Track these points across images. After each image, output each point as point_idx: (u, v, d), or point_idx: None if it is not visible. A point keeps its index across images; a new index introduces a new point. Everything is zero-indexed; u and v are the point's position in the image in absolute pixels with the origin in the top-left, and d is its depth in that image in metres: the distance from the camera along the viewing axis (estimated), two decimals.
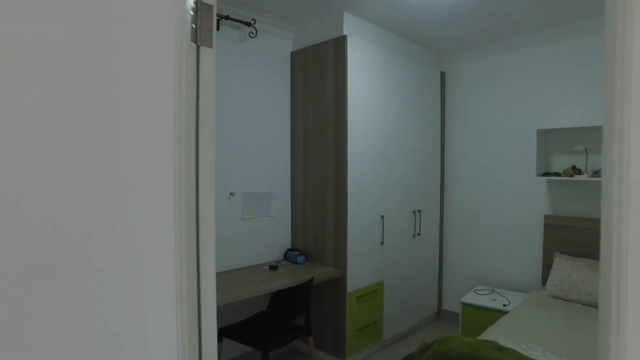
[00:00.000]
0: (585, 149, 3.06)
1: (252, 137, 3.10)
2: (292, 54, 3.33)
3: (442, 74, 4.03)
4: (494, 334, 2.34)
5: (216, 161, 2.87)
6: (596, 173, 3.04)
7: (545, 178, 3.21)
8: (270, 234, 3.25)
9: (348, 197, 2.92)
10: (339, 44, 2.92)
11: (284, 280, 2.69)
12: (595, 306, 2.75)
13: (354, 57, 2.93)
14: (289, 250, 3.28)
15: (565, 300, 2.88)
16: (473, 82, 3.88)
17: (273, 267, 3.00)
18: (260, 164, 3.17)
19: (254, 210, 3.13)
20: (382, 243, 3.23)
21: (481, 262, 3.86)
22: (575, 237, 3.17)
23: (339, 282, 2.97)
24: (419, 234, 3.67)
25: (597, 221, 3.10)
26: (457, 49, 3.89)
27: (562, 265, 3.00)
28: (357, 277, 3.02)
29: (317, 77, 3.09)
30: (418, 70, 3.60)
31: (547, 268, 3.34)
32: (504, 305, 3.19)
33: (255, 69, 3.11)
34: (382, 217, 3.22)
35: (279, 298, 2.45)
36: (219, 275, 2.81)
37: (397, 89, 3.37)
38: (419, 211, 3.66)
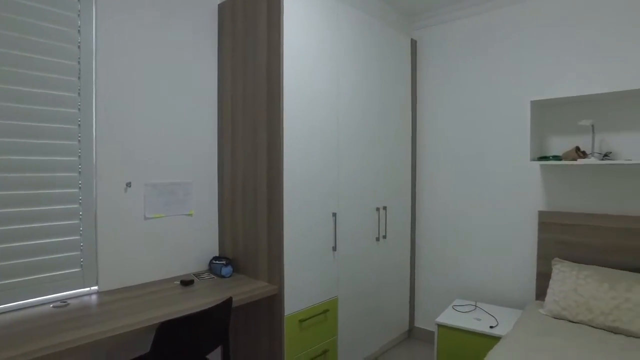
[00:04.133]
0: (592, 126, 2.39)
1: (162, 109, 2.32)
2: (221, 6, 2.57)
3: (414, 43, 3.34)
4: None
5: (101, 139, 2.06)
6: (606, 155, 2.38)
7: (539, 163, 2.52)
8: (189, 238, 2.48)
9: (284, 189, 2.17)
10: None
11: (190, 302, 1.92)
12: (612, 331, 2.06)
13: (292, 5, 2.20)
14: (214, 259, 2.51)
15: (571, 321, 2.19)
16: (451, 49, 3.19)
17: (186, 283, 2.23)
18: (175, 144, 2.39)
19: (163, 207, 2.35)
20: (334, 248, 2.49)
21: (461, 271, 3.16)
22: (579, 239, 2.50)
23: (274, 301, 2.21)
24: (384, 237, 2.94)
25: (608, 217, 2.31)
26: (430, 9, 3.21)
27: (565, 276, 2.31)
28: (299, 294, 2.27)
29: (249, 33, 2.35)
30: (382, 34, 2.89)
31: (542, 277, 2.66)
32: (491, 327, 2.49)
33: (166, 22, 2.33)
34: (334, 214, 2.48)
35: (173, 331, 1.67)
36: (104, 294, 2.02)
37: (354, 55, 2.65)
38: (384, 208, 2.94)
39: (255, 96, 2.30)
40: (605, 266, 2.40)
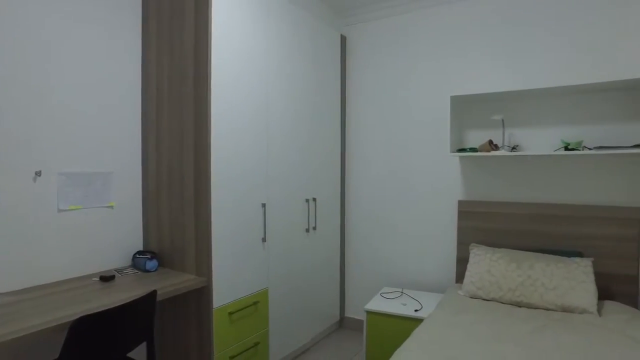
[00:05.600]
0: (502, 120, 2.62)
1: (76, 89, 2.15)
2: None
3: (343, 39, 3.42)
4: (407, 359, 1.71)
5: (1, 121, 1.83)
6: (514, 148, 2.61)
7: (458, 155, 2.70)
8: (110, 231, 2.33)
9: (212, 179, 2.12)
10: None
11: (109, 298, 1.81)
12: (517, 305, 2.28)
13: None
14: (138, 253, 2.38)
15: (485, 299, 2.38)
16: (379, 46, 3.31)
17: (106, 279, 2.09)
18: (92, 130, 2.23)
19: (81, 199, 2.19)
20: (264, 239, 2.48)
21: (389, 260, 3.30)
22: (494, 225, 2.72)
23: (203, 294, 2.15)
24: (314, 228, 2.98)
25: (516, 205, 2.61)
26: (358, 6, 3.30)
27: (480, 259, 2.50)
28: (228, 286, 2.23)
29: (175, 15, 2.25)
30: (313, 27, 2.93)
31: (462, 262, 2.85)
32: (416, 310, 2.63)
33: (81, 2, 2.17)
34: (264, 205, 2.47)
35: (88, 329, 1.56)
36: (6, 295, 1.83)
37: (283, 47, 2.65)
38: (314, 199, 2.98)
39: (182, 84, 2.22)
40: (515, 248, 2.64)
